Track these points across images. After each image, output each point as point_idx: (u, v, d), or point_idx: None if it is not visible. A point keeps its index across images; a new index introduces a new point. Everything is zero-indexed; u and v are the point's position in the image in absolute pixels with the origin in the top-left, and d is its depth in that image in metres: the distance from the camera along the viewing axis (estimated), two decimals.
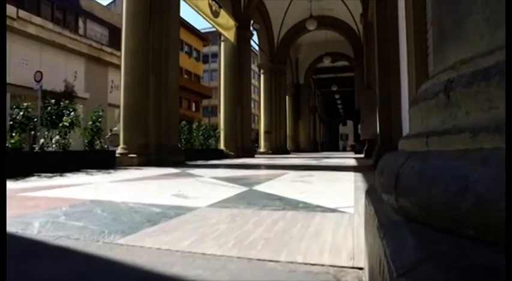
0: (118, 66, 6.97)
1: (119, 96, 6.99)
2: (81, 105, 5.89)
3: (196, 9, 8.88)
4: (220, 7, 10.29)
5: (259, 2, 13.57)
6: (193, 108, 35.52)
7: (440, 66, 0.51)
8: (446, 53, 0.49)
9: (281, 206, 1.89)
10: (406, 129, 5.13)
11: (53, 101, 5.28)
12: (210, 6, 9.68)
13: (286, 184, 2.97)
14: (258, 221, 1.52)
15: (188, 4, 8.41)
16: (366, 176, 3.72)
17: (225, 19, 10.72)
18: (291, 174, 4.01)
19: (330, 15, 16.12)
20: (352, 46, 16.61)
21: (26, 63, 16.25)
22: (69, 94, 18.04)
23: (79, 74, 20.03)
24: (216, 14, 9.97)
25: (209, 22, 9.96)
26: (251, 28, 12.90)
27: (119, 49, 7.04)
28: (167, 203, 2.04)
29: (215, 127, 11.70)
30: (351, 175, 3.83)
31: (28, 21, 16.41)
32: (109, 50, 21.37)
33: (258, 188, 2.70)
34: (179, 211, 1.78)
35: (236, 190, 2.62)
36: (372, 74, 9.74)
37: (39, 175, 4.24)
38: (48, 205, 1.97)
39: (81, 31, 20.98)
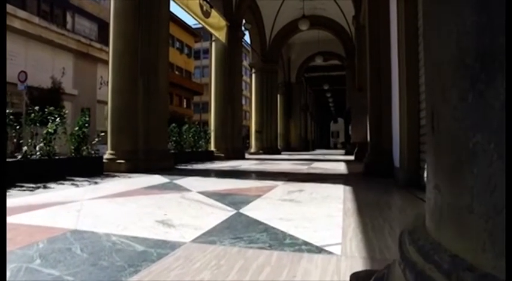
0: (107, 62, 6.81)
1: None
2: (67, 111, 5.73)
3: (186, 9, 8.72)
4: (211, 7, 10.13)
5: (251, 1, 13.43)
6: (185, 105, 35.30)
7: (436, 235, 0.46)
8: (444, 234, 0.44)
9: (267, 243, 1.84)
10: (396, 139, 5.14)
11: (36, 107, 5.11)
12: (201, 6, 9.53)
13: (274, 205, 2.93)
14: (243, 267, 1.48)
15: (178, 5, 8.26)
16: (355, 192, 3.70)
17: (216, 19, 10.57)
18: (280, 188, 3.98)
19: (323, 15, 16.06)
20: (344, 46, 16.62)
21: (11, 58, 15.84)
22: (56, 91, 17.71)
23: (67, 70, 19.66)
24: (207, 14, 9.83)
25: (199, 22, 9.80)
26: (243, 28, 12.76)
27: (109, 45, 6.87)
28: (151, 236, 1.98)
29: (206, 128, 11.60)
30: (340, 190, 3.81)
31: (12, 15, 15.98)
32: (98, 45, 21.00)
33: (245, 211, 2.66)
34: (162, 249, 1.72)
35: (223, 213, 2.57)
36: (363, 76, 9.75)
37: (22, 186, 4.13)
38: (25, 239, 1.89)
39: (69, 26, 20.54)
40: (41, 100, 15.68)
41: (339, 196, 3.37)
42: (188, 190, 3.82)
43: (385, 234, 2.07)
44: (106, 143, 6.77)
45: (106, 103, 6.98)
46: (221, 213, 2.59)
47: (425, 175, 3.28)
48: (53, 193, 3.69)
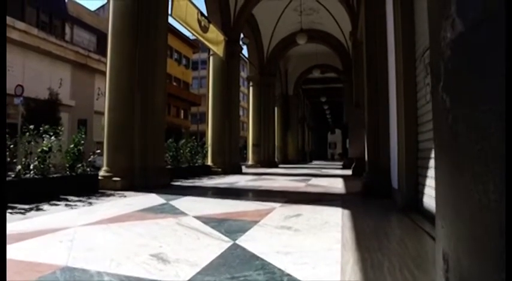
0: (105, 73, 6.80)
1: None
2: (63, 125, 5.69)
3: (185, 25, 8.77)
4: (209, 22, 10.20)
5: (249, 15, 13.55)
6: (182, 116, 35.28)
7: None
8: None
9: None
10: (393, 160, 5.12)
11: (31, 126, 5.06)
12: (199, 22, 9.59)
13: (271, 234, 2.87)
14: None
15: (177, 21, 8.31)
16: (353, 217, 3.65)
17: (215, 34, 10.64)
18: (277, 212, 3.92)
19: (320, 30, 16.22)
20: (341, 60, 16.74)
21: (8, 69, 15.83)
22: (53, 102, 17.68)
23: (65, 81, 19.67)
24: (205, 30, 9.89)
25: (197, 38, 9.86)
26: (240, 42, 12.85)
27: (106, 61, 6.86)
28: (145, 274, 1.91)
29: (203, 141, 11.56)
30: (338, 215, 3.76)
31: (11, 26, 16.05)
32: (96, 56, 21.08)
33: (242, 242, 2.60)
34: None
35: (219, 245, 2.51)
36: (361, 93, 9.79)
37: (14, 208, 4.05)
38: (12, 279, 1.82)
39: (67, 37, 20.63)
40: (38, 112, 15.66)
41: (337, 223, 3.32)
42: (184, 214, 3.76)
43: (384, 272, 2.02)
44: (102, 155, 6.71)
45: (103, 114, 6.95)
46: (217, 245, 2.53)
47: (424, 199, 3.22)
48: (46, 217, 3.62)
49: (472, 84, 0.49)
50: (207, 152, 10.88)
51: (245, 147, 23.95)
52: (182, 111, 35.41)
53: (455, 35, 0.53)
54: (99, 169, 6.57)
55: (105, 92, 6.84)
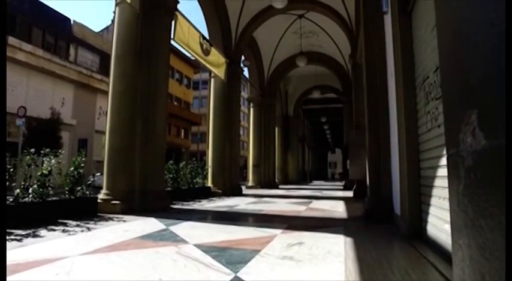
0: (107, 93, 6.86)
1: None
2: (63, 152, 5.68)
3: (186, 48, 8.93)
4: (211, 45, 10.39)
5: (250, 38, 13.82)
6: (182, 135, 35.34)
7: None
8: None
9: None
10: (395, 184, 5.08)
11: (32, 150, 5.05)
12: (201, 45, 9.77)
13: (272, 266, 2.80)
14: None
15: (179, 45, 8.47)
16: (356, 246, 3.59)
17: (216, 57, 10.81)
18: (278, 240, 3.86)
19: (320, 52, 16.50)
20: (340, 82, 16.94)
21: (11, 89, 16.01)
22: (55, 121, 17.78)
23: (67, 101, 19.85)
24: (206, 53, 10.06)
25: (199, 61, 10.02)
26: (241, 64, 13.04)
27: (109, 79, 6.94)
28: None
29: (204, 162, 11.52)
30: (340, 243, 3.70)
31: (18, 48, 16.34)
32: (99, 76, 21.35)
33: (243, 275, 2.54)
34: None
35: (220, 278, 2.45)
36: (361, 114, 9.84)
37: (11, 234, 3.99)
38: None
39: (71, 58, 20.96)
40: (39, 131, 15.71)
41: (339, 252, 3.26)
42: (184, 241, 3.70)
43: None
44: (102, 174, 6.68)
45: (104, 133, 6.99)
46: (219, 277, 2.47)
47: (427, 227, 3.16)
48: (43, 245, 3.55)
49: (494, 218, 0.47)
50: (207, 173, 10.83)
51: (245, 166, 23.92)
52: (183, 131, 35.51)
53: (477, 147, 0.52)
54: (99, 188, 6.54)
55: (106, 114, 6.88)
